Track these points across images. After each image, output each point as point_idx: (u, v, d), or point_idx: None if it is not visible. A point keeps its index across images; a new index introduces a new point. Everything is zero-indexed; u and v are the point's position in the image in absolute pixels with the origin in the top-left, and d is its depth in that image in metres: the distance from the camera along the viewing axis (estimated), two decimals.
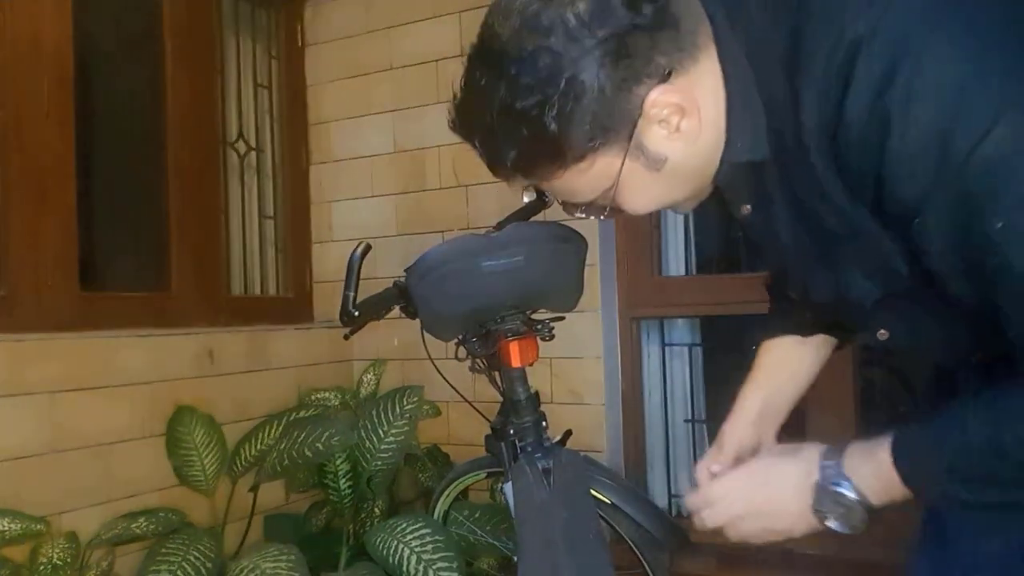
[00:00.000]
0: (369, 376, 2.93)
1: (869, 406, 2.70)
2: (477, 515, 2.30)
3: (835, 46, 0.80)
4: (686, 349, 2.97)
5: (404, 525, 2.14)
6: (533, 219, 1.49)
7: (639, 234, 2.89)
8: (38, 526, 1.94)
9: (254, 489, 2.48)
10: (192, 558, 2.06)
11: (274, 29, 3.28)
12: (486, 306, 1.36)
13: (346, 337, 1.53)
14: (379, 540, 2.13)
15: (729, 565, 2.63)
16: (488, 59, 0.88)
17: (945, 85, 0.76)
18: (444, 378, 1.56)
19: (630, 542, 1.71)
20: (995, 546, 1.01)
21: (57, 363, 2.18)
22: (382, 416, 2.45)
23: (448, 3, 2.96)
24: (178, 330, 2.59)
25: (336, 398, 2.84)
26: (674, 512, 2.95)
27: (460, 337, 1.44)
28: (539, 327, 1.41)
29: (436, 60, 3.02)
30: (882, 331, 0.98)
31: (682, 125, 0.89)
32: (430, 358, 1.48)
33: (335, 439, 2.32)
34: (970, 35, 0.78)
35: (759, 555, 2.64)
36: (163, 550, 2.08)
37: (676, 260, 2.97)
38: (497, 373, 1.42)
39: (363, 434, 2.43)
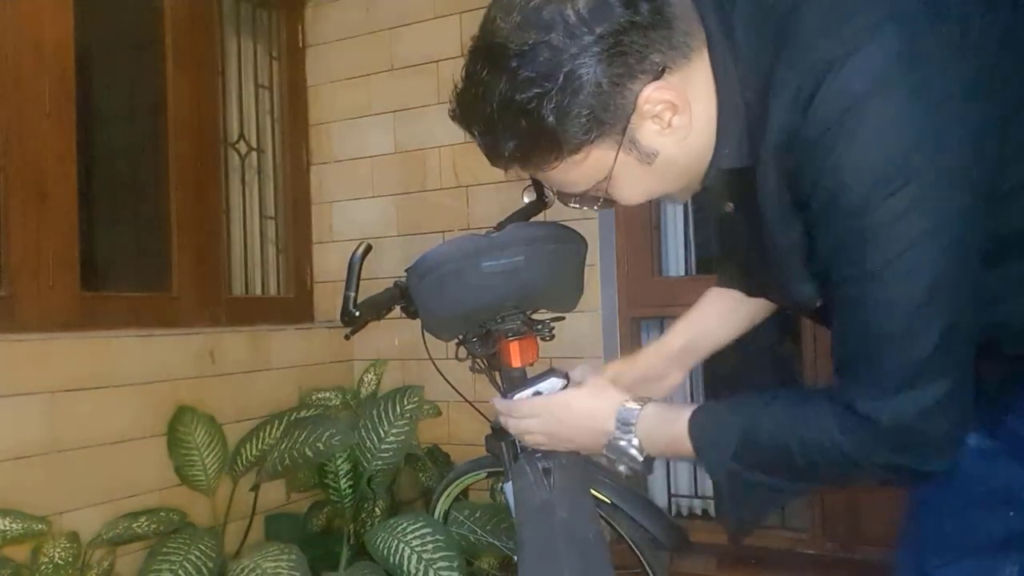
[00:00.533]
0: (370, 376, 2.94)
1: None
2: (477, 515, 2.30)
3: (805, 79, 0.84)
4: None
5: (405, 525, 2.14)
6: (533, 219, 1.49)
7: (639, 234, 2.89)
8: (39, 526, 1.94)
9: (255, 489, 2.49)
10: (193, 558, 2.06)
11: (275, 29, 3.28)
12: (486, 306, 1.36)
13: (347, 337, 1.53)
14: (380, 540, 2.14)
15: (729, 565, 2.63)
16: (490, 52, 0.91)
17: (879, 142, 0.82)
18: (444, 378, 1.55)
19: (630, 542, 1.71)
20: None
21: (58, 363, 2.19)
22: (383, 416, 2.46)
23: (448, 4, 2.96)
24: (179, 330, 2.60)
25: (337, 398, 2.84)
26: (674, 512, 2.95)
27: (460, 337, 1.43)
28: (539, 327, 1.41)
29: (437, 61, 3.02)
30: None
31: (674, 121, 0.92)
32: (430, 358, 1.48)
33: (336, 439, 2.33)
34: (918, 100, 0.82)
35: (759, 555, 2.64)
36: (164, 550, 2.09)
37: (676, 260, 2.97)
38: (497, 373, 1.42)
39: (364, 434, 2.43)
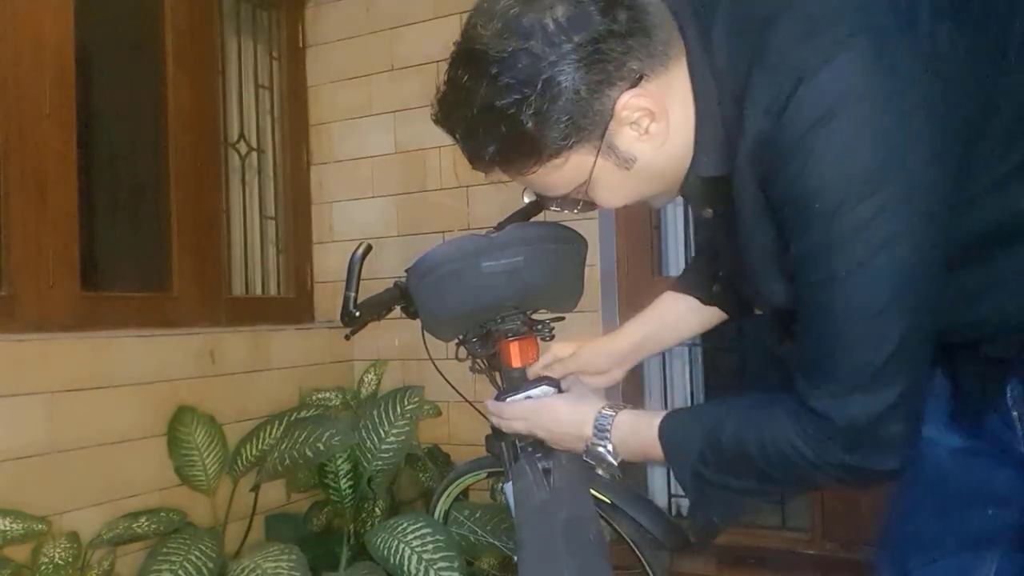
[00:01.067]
0: (370, 376, 2.94)
1: None
2: (478, 515, 2.30)
3: (779, 88, 0.85)
4: (686, 350, 2.97)
5: (405, 525, 2.14)
6: (533, 219, 1.49)
7: (639, 234, 2.89)
8: (40, 526, 1.94)
9: (255, 489, 2.49)
10: (193, 558, 2.06)
11: (275, 30, 3.28)
12: (486, 306, 1.36)
13: (347, 337, 1.53)
14: (380, 540, 2.14)
15: (729, 565, 2.63)
16: (470, 58, 0.93)
17: (849, 150, 0.83)
18: (445, 378, 1.55)
19: (630, 542, 1.71)
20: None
21: (58, 363, 2.19)
22: (383, 416, 2.46)
23: (448, 4, 2.96)
24: (179, 330, 2.60)
25: (337, 398, 2.84)
26: (674, 512, 2.95)
27: (460, 337, 1.44)
28: (539, 327, 1.41)
29: (437, 61, 3.02)
30: None
31: (651, 128, 0.94)
32: (431, 358, 1.48)
33: (336, 439, 2.33)
34: (888, 111, 0.83)
35: (759, 555, 2.64)
36: (164, 550, 2.09)
37: (676, 260, 2.97)
38: (497, 373, 1.42)
39: (364, 434, 2.43)
